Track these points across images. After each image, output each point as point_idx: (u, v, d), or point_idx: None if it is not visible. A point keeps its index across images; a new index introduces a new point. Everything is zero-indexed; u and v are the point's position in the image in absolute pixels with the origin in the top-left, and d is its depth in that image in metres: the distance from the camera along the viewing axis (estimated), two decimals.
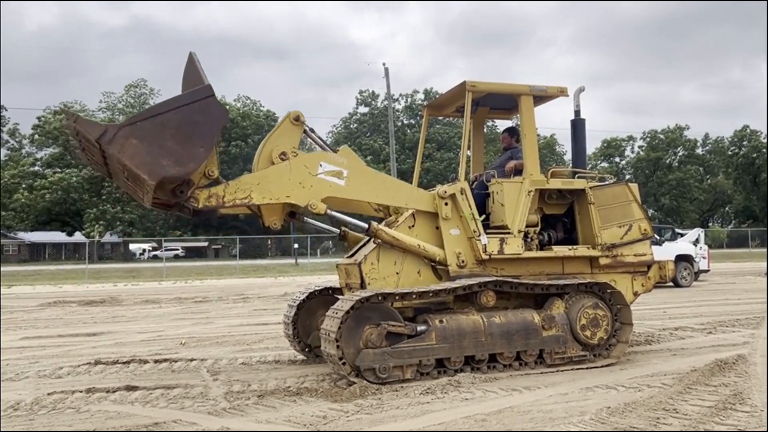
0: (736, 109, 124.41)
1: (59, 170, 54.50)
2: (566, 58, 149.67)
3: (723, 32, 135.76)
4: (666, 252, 16.57)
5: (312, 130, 6.26)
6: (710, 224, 74.57)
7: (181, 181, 5.32)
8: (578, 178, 6.99)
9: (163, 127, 5.00)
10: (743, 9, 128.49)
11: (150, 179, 4.93)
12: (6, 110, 59.77)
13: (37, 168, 56.42)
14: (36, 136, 57.35)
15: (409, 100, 66.18)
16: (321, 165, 6.01)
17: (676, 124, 72.40)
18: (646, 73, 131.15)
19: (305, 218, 6.66)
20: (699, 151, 74.26)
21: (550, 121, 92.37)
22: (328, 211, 6.03)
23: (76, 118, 4.84)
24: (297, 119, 6.06)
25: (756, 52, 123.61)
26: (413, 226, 6.33)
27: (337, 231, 7.13)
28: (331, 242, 52.70)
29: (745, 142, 72.36)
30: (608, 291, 6.51)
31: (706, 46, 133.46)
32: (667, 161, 71.76)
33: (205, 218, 6.55)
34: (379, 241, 6.19)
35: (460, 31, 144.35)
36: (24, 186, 53.35)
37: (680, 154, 73.22)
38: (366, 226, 6.16)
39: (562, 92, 7.01)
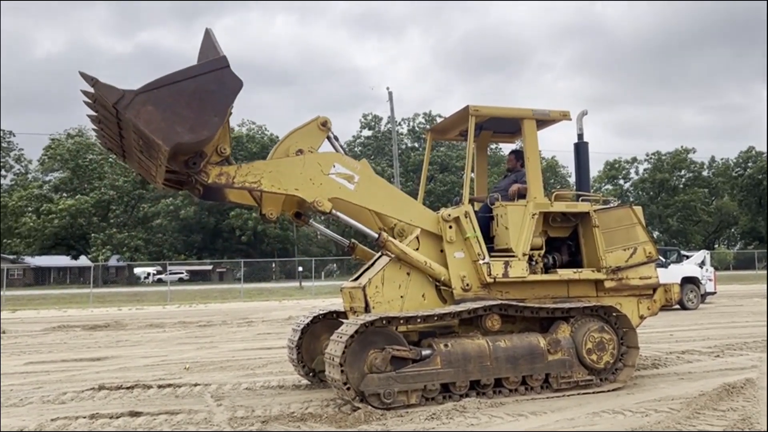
0: (738, 132, 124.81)
1: (66, 194, 54.88)
2: (565, 83, 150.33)
3: (721, 55, 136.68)
4: (672, 274, 16.52)
5: (336, 138, 6.33)
6: (716, 246, 74.18)
7: (195, 150, 5.41)
8: (582, 200, 6.99)
9: (179, 95, 5.08)
10: (742, 31, 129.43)
11: (165, 144, 5.01)
12: (14, 135, 60.52)
13: (44, 190, 56.80)
14: (46, 159, 57.85)
15: (411, 123, 66.62)
16: (335, 166, 6.08)
17: (682, 147, 72.47)
18: (646, 96, 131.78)
19: (311, 221, 6.67)
20: (705, 173, 74.17)
21: (552, 142, 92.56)
22: (334, 211, 6.04)
23: (96, 82, 4.91)
24: (324, 125, 6.17)
25: (756, 74, 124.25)
26: (418, 248, 6.33)
27: (347, 242, 7.13)
28: (335, 265, 52.66)
29: (750, 163, 72.24)
30: (614, 314, 6.48)
31: (706, 69, 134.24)
32: (672, 183, 71.69)
33: (211, 201, 6.51)
34: (390, 254, 6.16)
35: (459, 56, 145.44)
36: (30, 209, 53.68)
37: (686, 176, 73.12)
38: (376, 235, 6.17)
39: (565, 116, 7.04)
